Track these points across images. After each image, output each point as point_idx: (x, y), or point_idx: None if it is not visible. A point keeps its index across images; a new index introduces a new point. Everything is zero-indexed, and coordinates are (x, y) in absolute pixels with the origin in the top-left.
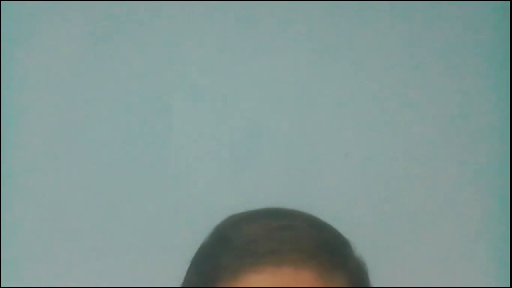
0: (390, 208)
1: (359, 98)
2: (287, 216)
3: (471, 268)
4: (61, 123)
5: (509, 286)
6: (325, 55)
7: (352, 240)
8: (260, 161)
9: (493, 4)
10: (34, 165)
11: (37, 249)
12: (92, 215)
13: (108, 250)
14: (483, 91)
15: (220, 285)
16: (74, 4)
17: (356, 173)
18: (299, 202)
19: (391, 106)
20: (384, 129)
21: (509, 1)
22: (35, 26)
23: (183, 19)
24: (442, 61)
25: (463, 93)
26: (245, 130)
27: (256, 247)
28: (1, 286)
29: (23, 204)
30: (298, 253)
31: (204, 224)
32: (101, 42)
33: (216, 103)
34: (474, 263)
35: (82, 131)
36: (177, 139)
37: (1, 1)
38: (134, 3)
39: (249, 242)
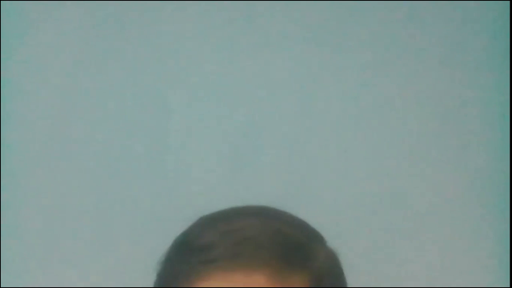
0: (389, 206)
1: (358, 96)
2: (250, 215)
3: (471, 268)
4: (60, 123)
5: (509, 286)
6: (324, 54)
7: (355, 237)
8: (259, 159)
9: (493, 4)
10: (34, 165)
11: (37, 249)
12: (91, 215)
13: (107, 250)
14: (483, 91)
15: None
16: (74, 4)
17: (354, 171)
18: (298, 199)
19: (391, 105)
20: (383, 127)
21: (509, 1)
22: (35, 25)
23: (182, 18)
24: (442, 61)
25: (463, 93)
26: (244, 129)
27: (209, 253)
28: (1, 286)
29: (23, 204)
30: (249, 257)
31: None
32: (100, 42)
33: (216, 102)
34: (474, 263)
35: (81, 130)
36: (176, 138)
37: (1, 1)
38: (133, 3)
39: (203, 248)
